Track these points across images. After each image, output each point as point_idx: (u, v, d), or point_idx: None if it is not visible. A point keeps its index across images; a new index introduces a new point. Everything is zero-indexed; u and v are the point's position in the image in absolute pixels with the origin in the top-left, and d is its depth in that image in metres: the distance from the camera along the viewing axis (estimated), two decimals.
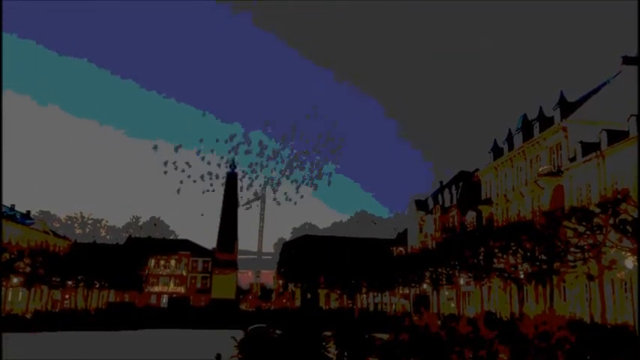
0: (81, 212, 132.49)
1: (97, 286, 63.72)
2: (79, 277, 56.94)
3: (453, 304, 60.79)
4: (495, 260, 38.97)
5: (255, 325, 13.23)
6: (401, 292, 73.73)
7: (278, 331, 11.91)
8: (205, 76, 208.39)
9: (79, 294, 63.60)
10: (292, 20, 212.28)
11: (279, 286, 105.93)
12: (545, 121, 46.05)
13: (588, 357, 13.95)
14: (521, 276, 36.98)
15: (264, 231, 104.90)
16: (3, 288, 44.20)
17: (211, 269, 77.32)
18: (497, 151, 55.94)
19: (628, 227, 26.01)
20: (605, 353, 15.20)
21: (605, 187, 34.08)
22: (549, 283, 33.91)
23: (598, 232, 28.04)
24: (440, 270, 50.09)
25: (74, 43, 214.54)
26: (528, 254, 33.83)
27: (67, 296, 66.99)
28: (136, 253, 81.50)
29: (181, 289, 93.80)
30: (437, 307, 55.86)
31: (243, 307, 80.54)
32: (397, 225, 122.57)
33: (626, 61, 42.86)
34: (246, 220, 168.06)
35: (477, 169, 62.60)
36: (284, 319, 13.19)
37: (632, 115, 34.45)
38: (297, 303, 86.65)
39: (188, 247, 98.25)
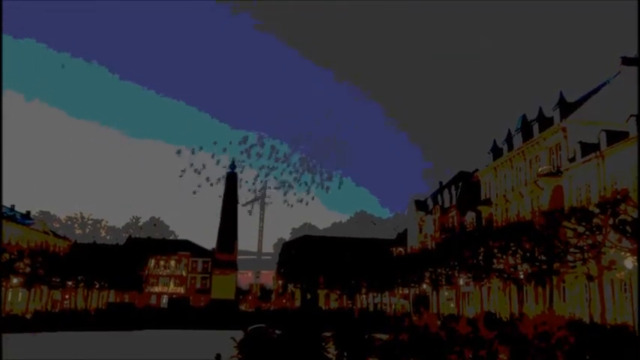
0: (81, 212, 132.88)
1: (97, 286, 63.77)
2: (79, 278, 57.01)
3: (452, 305, 60.79)
4: (495, 260, 39.02)
5: (255, 326, 13.18)
6: (400, 292, 73.70)
7: (278, 332, 11.90)
8: (205, 76, 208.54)
9: (79, 294, 63.65)
10: (292, 20, 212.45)
11: (278, 286, 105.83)
12: (545, 122, 46.04)
13: (588, 357, 13.95)
14: (521, 276, 37.03)
15: (263, 231, 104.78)
16: (3, 288, 44.23)
17: (211, 270, 77.18)
18: (496, 152, 55.91)
19: (627, 228, 26.03)
20: (605, 353, 15.18)
21: (605, 188, 34.10)
22: (549, 284, 33.95)
23: (597, 232, 28.06)
24: (439, 270, 50.12)
25: (74, 43, 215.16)
26: (528, 255, 33.86)
27: (67, 296, 66.98)
28: (135, 253, 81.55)
29: (181, 290, 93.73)
30: (436, 307, 55.82)
31: (242, 307, 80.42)
32: (397, 225, 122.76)
33: (626, 61, 42.91)
34: (246, 220, 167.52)
35: (477, 170, 62.55)
36: (284, 319, 13.16)
37: (631, 115, 34.50)
38: (297, 303, 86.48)
39: (188, 247, 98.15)
